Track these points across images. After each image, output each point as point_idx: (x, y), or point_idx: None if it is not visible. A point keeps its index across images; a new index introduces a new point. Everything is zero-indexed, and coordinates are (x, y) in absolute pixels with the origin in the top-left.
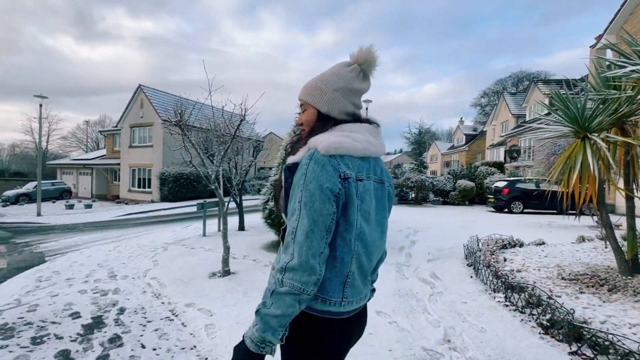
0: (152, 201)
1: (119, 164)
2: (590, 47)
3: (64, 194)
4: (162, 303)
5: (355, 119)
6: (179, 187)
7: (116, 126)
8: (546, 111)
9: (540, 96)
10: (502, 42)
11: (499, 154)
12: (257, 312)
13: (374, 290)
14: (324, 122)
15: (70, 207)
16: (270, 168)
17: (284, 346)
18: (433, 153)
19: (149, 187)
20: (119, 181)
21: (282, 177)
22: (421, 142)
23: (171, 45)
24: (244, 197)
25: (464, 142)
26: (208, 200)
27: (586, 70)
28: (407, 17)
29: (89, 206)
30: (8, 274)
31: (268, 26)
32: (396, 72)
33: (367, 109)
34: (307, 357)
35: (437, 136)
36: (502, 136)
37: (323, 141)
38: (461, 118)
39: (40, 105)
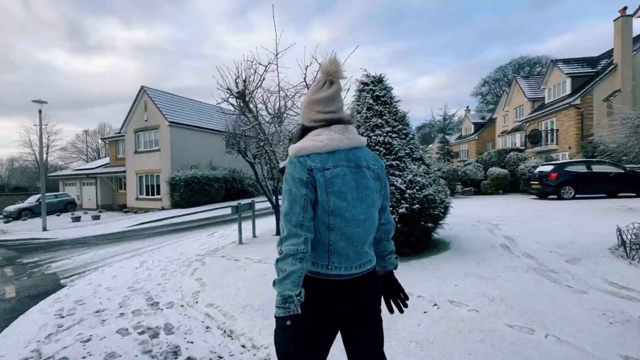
0: (163, 208)
1: (124, 172)
2: (614, 20)
3: (68, 206)
4: (244, 347)
5: (328, 122)
6: (191, 192)
7: (119, 132)
8: (568, 92)
9: (559, 77)
10: (494, 32)
11: (514, 140)
12: (273, 284)
13: (396, 257)
14: (302, 132)
15: (77, 219)
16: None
17: None
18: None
19: (158, 193)
20: (125, 189)
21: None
22: (445, 129)
23: (165, 53)
24: (260, 199)
25: (472, 131)
26: (242, 201)
27: (578, 52)
28: (398, 11)
29: (96, 217)
30: (19, 305)
31: (259, 28)
32: (390, 67)
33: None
34: (304, 306)
35: (440, 126)
36: (518, 121)
37: (292, 149)
38: (467, 107)
39: (40, 111)
